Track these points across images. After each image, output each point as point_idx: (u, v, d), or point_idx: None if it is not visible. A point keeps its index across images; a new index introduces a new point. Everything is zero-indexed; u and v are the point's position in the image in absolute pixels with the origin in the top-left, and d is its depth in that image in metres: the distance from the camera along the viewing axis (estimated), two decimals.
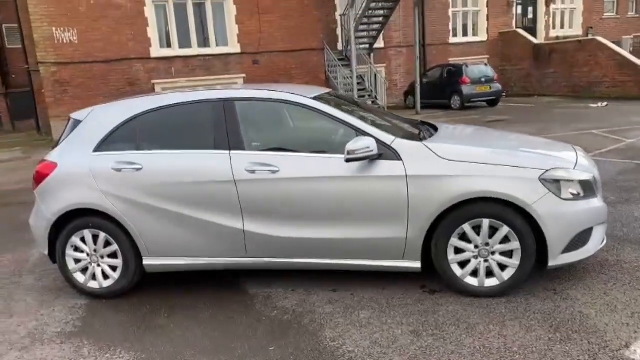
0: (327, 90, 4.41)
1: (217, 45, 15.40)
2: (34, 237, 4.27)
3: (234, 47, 15.45)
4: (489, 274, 3.55)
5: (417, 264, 3.62)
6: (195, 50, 15.09)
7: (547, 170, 3.42)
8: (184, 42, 15.02)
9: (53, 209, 3.93)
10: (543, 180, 3.39)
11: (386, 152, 3.52)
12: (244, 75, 15.54)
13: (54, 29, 13.34)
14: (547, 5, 22.82)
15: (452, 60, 20.15)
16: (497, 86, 17.14)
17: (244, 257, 3.82)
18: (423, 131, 4.06)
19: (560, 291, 3.57)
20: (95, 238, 3.97)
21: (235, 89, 4.01)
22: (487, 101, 17.29)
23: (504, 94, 17.88)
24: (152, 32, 14.47)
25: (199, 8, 15.05)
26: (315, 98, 3.85)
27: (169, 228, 3.81)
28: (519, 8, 22.54)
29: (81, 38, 13.70)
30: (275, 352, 3.12)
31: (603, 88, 17.64)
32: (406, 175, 3.47)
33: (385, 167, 3.51)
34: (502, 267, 3.52)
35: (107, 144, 3.94)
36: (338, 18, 18.51)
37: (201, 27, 15.16)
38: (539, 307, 3.38)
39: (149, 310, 3.82)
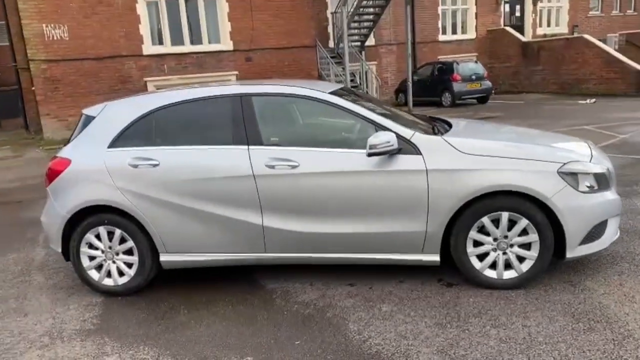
0: (340, 85, 4.42)
1: (209, 42, 15.30)
2: (46, 235, 4.22)
3: (226, 44, 15.37)
4: (507, 266, 3.60)
5: (436, 257, 3.66)
6: (187, 47, 14.99)
7: (564, 164, 3.48)
8: (176, 39, 14.90)
9: (67, 205, 3.89)
10: (561, 173, 3.45)
11: (405, 147, 3.55)
12: (236, 72, 15.48)
13: (44, 25, 13.14)
14: (534, 3, 23.09)
15: (442, 57, 20.28)
16: (487, 83, 17.32)
17: (263, 252, 3.82)
18: (437, 126, 4.10)
19: (576, 283, 3.63)
20: (110, 235, 3.94)
21: (251, 84, 4.00)
22: (477, 98, 17.46)
23: (493, 91, 18.06)
24: (144, 29, 14.34)
25: (191, 5, 14.93)
26: (332, 93, 3.86)
27: (187, 224, 3.79)
28: (507, 6, 22.79)
29: (72, 35, 13.52)
30: (302, 346, 3.13)
31: (590, 85, 17.92)
32: (426, 170, 3.50)
33: (405, 161, 3.54)
34: (521, 259, 3.57)
35: (122, 139, 3.91)
36: (329, 16, 18.55)
37: (193, 24, 15.05)
38: (558, 298, 3.44)
39: (167, 307, 3.80)
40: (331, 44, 18.37)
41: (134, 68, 14.39)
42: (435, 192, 3.49)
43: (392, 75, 20.19)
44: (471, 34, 21.84)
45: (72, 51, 13.62)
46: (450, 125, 4.14)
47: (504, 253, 3.57)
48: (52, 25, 13.22)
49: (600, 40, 18.47)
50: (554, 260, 3.61)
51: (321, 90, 3.85)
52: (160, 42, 14.80)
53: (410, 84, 15.91)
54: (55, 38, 13.38)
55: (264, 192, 3.67)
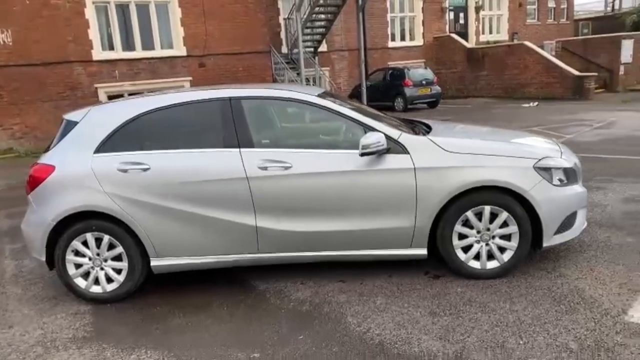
0: (322, 89, 4.55)
1: (162, 47, 15.03)
2: (26, 244, 4.10)
3: (179, 50, 15.16)
4: (490, 257, 3.83)
5: (423, 251, 3.85)
6: (139, 53, 14.66)
7: (539, 159, 3.76)
8: (128, 45, 14.56)
9: (53, 213, 3.80)
10: (537, 169, 3.72)
11: (393, 147, 3.72)
12: (190, 78, 15.28)
13: None
14: (477, 11, 24.14)
15: (392, 64, 20.83)
16: (437, 88, 17.96)
17: (256, 253, 3.88)
18: (418, 127, 4.30)
19: (551, 270, 3.92)
20: (98, 241, 3.88)
21: (240, 87, 4.07)
22: (428, 103, 18.06)
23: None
24: (94, 34, 13.91)
25: (142, 9, 14.63)
26: (319, 96, 3.99)
27: (179, 227, 3.80)
28: (451, 14, 23.70)
29: (16, 39, 12.95)
30: (305, 340, 3.22)
31: (532, 89, 18.93)
32: (414, 168, 3.68)
33: (393, 160, 3.71)
34: (502, 250, 3.81)
35: (109, 144, 3.87)
36: (281, 21, 18.70)
37: (145, 29, 14.74)
38: (538, 284, 3.70)
39: (161, 312, 3.79)
40: (284, 49, 18.53)
41: (84, 74, 13.94)
42: (423, 189, 3.68)
43: (345, 81, 20.56)
44: (419, 41, 22.56)
45: (16, 57, 13.04)
46: (428, 127, 4.35)
47: (487, 244, 3.81)
48: None
49: (538, 47, 19.55)
50: (531, 250, 3.87)
51: (309, 93, 3.97)
52: (111, 48, 14.42)
53: (364, 89, 16.26)
54: None
55: (257, 193, 3.74)
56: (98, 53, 14.08)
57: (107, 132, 3.88)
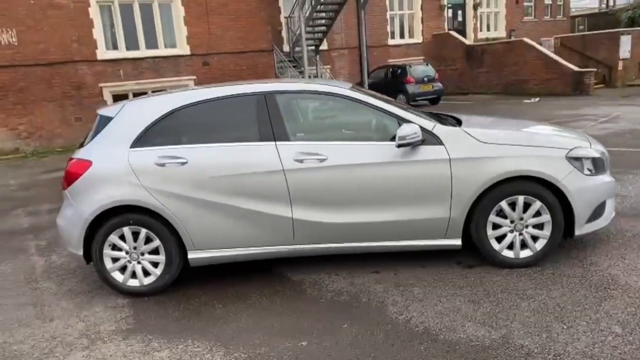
0: (350, 84, 4.60)
1: (165, 47, 15.03)
2: (62, 238, 4.13)
3: (183, 49, 15.16)
4: (522, 246, 3.90)
5: (458, 242, 3.91)
6: (143, 52, 14.65)
7: (571, 149, 3.83)
8: (132, 44, 14.54)
9: (90, 207, 3.83)
10: (569, 158, 3.79)
11: (428, 138, 3.78)
12: (194, 77, 15.30)
13: None
14: (475, 8, 24.25)
15: (391, 61, 20.91)
16: (439, 85, 18.04)
17: (292, 244, 3.93)
18: (448, 119, 4.36)
19: (582, 259, 3.99)
20: (135, 235, 3.92)
21: (273, 82, 4.11)
22: (429, 99, 18.14)
23: None
24: (98, 34, 13.90)
25: (146, 9, 14.62)
26: (351, 89, 4.04)
27: (216, 220, 3.84)
28: (450, 11, 23.80)
29: (21, 40, 12.92)
30: (349, 329, 3.27)
31: (531, 85, 19.05)
32: (449, 159, 3.74)
33: (428, 151, 3.77)
34: (535, 238, 3.88)
35: (145, 139, 3.90)
36: (282, 20, 18.74)
37: (149, 28, 14.74)
38: (571, 272, 3.77)
39: (199, 303, 3.83)
40: (285, 48, 18.57)
41: (89, 74, 13.93)
42: (458, 180, 3.74)
43: (345, 79, 20.58)
44: (418, 38, 22.65)
45: (21, 57, 13.02)
46: (457, 119, 4.41)
47: (520, 234, 3.87)
48: None
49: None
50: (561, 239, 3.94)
51: (341, 87, 4.02)
52: (115, 47, 14.41)
53: (367, 87, 16.31)
54: (3, 43, 12.75)
55: (293, 185, 3.79)
56: (102, 52, 14.06)
57: (143, 126, 3.92)
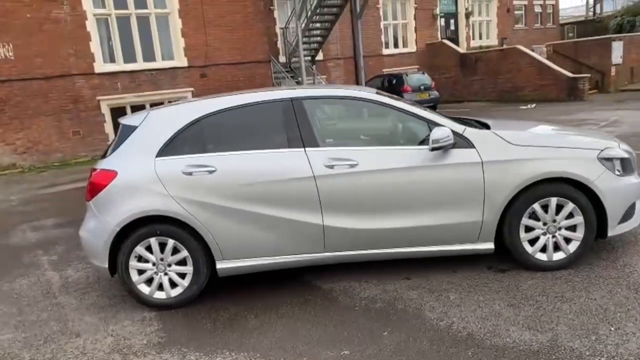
0: (374, 89, 4.57)
1: (163, 59, 14.95)
2: (86, 251, 4.03)
3: (180, 61, 15.09)
4: (555, 248, 3.86)
5: (490, 245, 3.87)
6: (140, 64, 14.56)
7: (602, 150, 3.82)
8: (129, 57, 14.45)
9: (117, 218, 3.75)
10: (600, 159, 3.78)
11: (459, 141, 3.75)
12: (192, 89, 15.21)
13: None
14: (467, 17, 24.50)
15: (386, 70, 20.99)
16: (435, 93, 18.11)
17: (322, 252, 3.86)
18: (473, 123, 4.33)
19: (614, 260, 3.96)
20: (161, 246, 3.83)
21: (300, 88, 4.07)
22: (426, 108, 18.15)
23: None
24: (95, 47, 13.80)
25: (143, 21, 14.56)
26: (377, 94, 4.01)
27: (246, 229, 3.77)
28: (442, 21, 24.01)
29: (18, 54, 12.78)
30: (391, 336, 3.21)
31: (526, 92, 19.20)
32: (481, 162, 3.71)
33: (459, 155, 3.73)
34: (567, 240, 3.84)
35: (171, 147, 3.83)
36: (278, 31, 18.77)
37: (146, 40, 14.67)
38: (606, 274, 3.74)
39: (230, 315, 3.74)
40: (281, 59, 18.57)
41: (86, 87, 13.80)
42: (491, 183, 3.71)
43: None
44: (412, 48, 22.80)
45: (18, 71, 12.87)
46: (483, 123, 4.38)
47: (553, 236, 3.84)
48: None
49: None
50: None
51: (368, 92, 3.99)
52: (112, 60, 14.31)
53: None
54: None
55: (324, 192, 3.73)
56: (100, 66, 13.95)
57: (168, 135, 3.85)
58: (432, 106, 18.04)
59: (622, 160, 3.92)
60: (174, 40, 15.03)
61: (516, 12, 26.94)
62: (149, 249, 3.83)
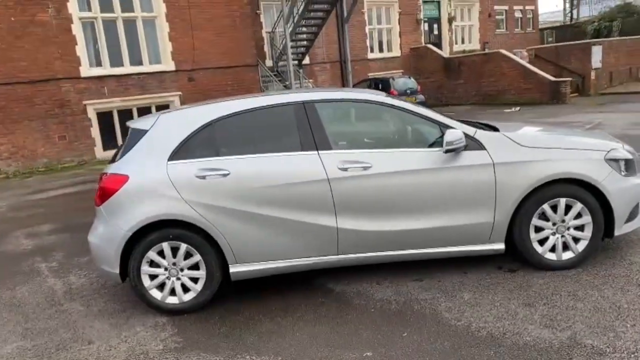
0: (383, 92, 4.60)
1: (150, 63, 14.81)
2: (95, 256, 3.96)
3: (168, 65, 14.97)
4: (564, 248, 3.93)
5: (501, 246, 3.92)
6: (128, 68, 14.40)
7: (608, 151, 3.91)
8: (116, 61, 14.28)
9: (129, 223, 3.70)
10: (607, 160, 3.86)
11: (470, 143, 3.80)
12: (180, 93, 15.11)
13: None
14: (450, 22, 24.81)
15: (371, 74, 21.12)
16: (421, 97, 18.23)
17: (335, 254, 3.87)
18: (483, 126, 4.38)
19: (620, 259, 4.05)
20: (174, 250, 3.80)
21: (311, 91, 4.08)
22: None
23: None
24: (81, 51, 13.61)
25: (130, 25, 14.40)
26: (387, 96, 4.04)
27: (260, 232, 3.76)
28: (426, 25, 24.28)
29: (2, 57, 12.53)
30: (411, 337, 3.23)
31: (510, 95, 19.53)
32: (493, 163, 3.76)
33: (471, 156, 3.78)
34: (576, 240, 3.92)
35: (182, 151, 3.81)
36: (264, 35, 18.75)
37: (133, 44, 14.52)
38: (615, 272, 3.82)
39: (245, 318, 3.73)
40: (268, 63, 18.56)
41: (72, 91, 13.59)
42: (502, 184, 3.76)
43: None
44: (397, 52, 23.00)
45: (2, 75, 12.62)
46: (491, 126, 4.43)
47: (562, 236, 3.91)
48: None
49: None
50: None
51: (379, 94, 4.02)
52: (99, 64, 14.13)
53: None
54: None
55: (338, 194, 3.74)
56: (86, 69, 13.77)
57: (180, 138, 3.83)
58: None
59: (627, 161, 4.01)
60: (161, 44, 14.91)
61: (497, 17, 27.38)
62: (161, 253, 3.80)
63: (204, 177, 3.73)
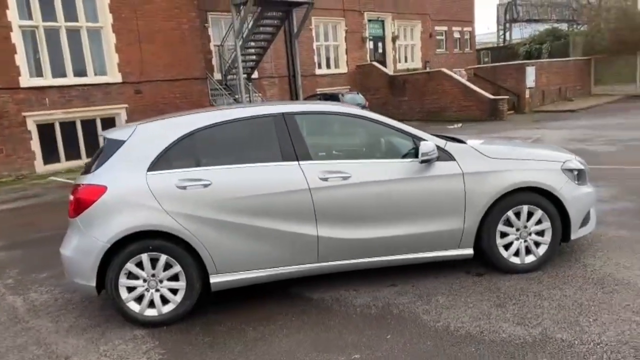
0: (357, 106, 4.78)
1: (95, 74, 14.39)
2: (68, 269, 3.85)
3: (114, 77, 14.60)
4: (527, 252, 4.22)
5: (470, 251, 4.16)
6: (71, 79, 13.91)
7: (564, 162, 4.25)
8: (58, 71, 13.77)
9: (107, 234, 3.64)
10: (564, 170, 4.20)
11: (441, 154, 4.02)
12: (126, 105, 14.75)
13: None
14: (393, 41, 25.67)
15: (320, 90, 21.44)
16: None
17: (315, 262, 3.96)
18: (450, 139, 4.61)
19: (575, 261, 4.38)
20: (153, 262, 3.76)
21: (291, 104, 4.19)
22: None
23: None
24: (21, 60, 13.04)
25: (73, 35, 13.96)
26: (363, 110, 4.22)
27: (241, 242, 3.80)
28: (371, 43, 24.97)
29: None
30: (395, 339, 3.36)
31: (451, 112, 20.40)
32: (462, 173, 4.01)
33: (442, 167, 4.01)
34: (537, 244, 4.22)
35: (162, 161, 3.80)
36: (212, 48, 18.68)
37: (77, 55, 14.06)
38: (572, 273, 4.14)
39: (228, 328, 3.73)
40: (216, 76, 18.46)
41: (10, 102, 12.97)
42: (471, 192, 4.01)
43: None
44: (343, 69, 23.50)
45: None
46: (457, 139, 4.68)
47: (525, 241, 4.20)
48: None
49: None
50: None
51: (354, 108, 4.19)
52: (40, 74, 13.58)
53: None
54: None
55: (319, 203, 3.85)
56: (26, 80, 13.20)
57: (160, 149, 3.82)
58: None
59: (579, 172, 4.37)
60: (107, 55, 14.56)
61: (437, 37, 28.60)
62: (139, 265, 3.75)
63: (184, 188, 3.73)
